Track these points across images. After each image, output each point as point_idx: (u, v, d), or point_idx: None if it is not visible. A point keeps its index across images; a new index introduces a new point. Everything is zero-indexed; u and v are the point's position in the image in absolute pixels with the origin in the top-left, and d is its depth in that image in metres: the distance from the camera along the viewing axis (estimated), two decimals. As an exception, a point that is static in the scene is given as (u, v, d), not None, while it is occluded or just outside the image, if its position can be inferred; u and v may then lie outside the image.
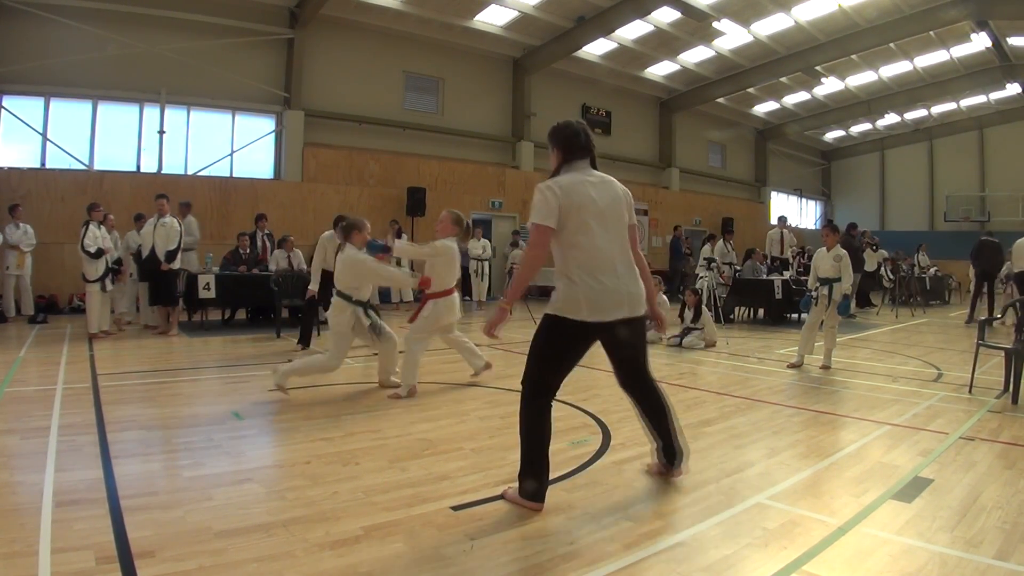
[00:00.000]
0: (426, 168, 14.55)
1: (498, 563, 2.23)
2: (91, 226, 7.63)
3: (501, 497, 2.82)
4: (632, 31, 15.21)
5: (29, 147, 10.85)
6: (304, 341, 7.15)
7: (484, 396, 4.90)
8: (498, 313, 2.75)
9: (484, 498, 2.82)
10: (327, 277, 6.59)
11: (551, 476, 3.07)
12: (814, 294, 6.44)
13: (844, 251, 6.28)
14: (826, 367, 6.23)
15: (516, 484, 2.77)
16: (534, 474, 2.70)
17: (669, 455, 3.05)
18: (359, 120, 13.71)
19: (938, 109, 21.68)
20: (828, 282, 6.29)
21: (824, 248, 6.43)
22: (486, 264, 12.98)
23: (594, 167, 2.85)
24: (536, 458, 2.71)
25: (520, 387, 2.79)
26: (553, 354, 2.75)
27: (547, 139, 2.91)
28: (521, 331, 9.03)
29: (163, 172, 11.80)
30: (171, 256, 7.95)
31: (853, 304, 11.97)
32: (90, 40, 10.77)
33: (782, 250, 12.74)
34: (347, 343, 4.82)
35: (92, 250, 7.50)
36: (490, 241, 14.88)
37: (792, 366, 6.41)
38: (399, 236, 12.20)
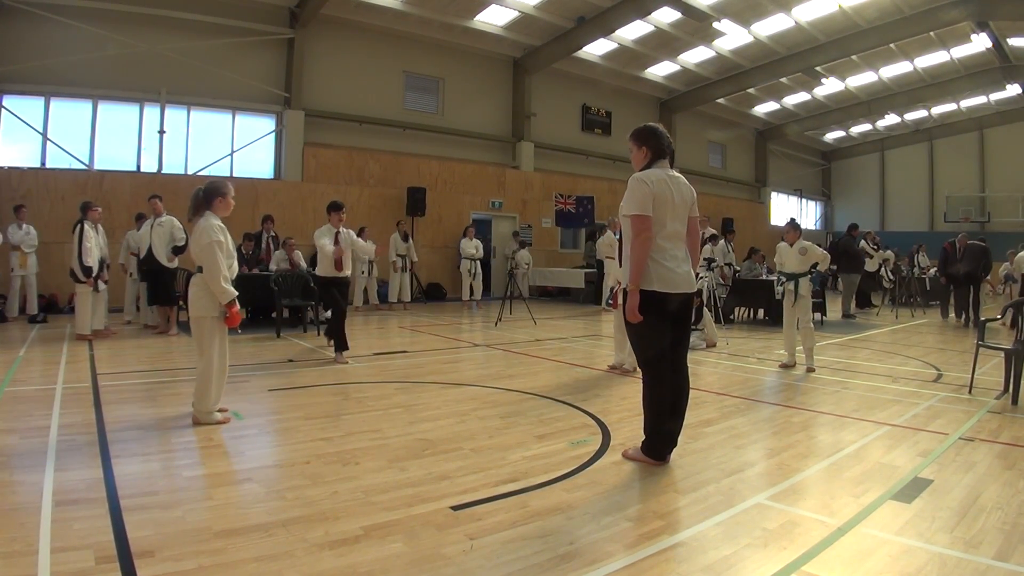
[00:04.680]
0: (426, 168, 14.55)
1: (498, 563, 2.23)
2: (86, 228, 7.37)
3: (495, 498, 2.82)
4: (632, 31, 15.22)
5: (29, 147, 10.85)
6: (340, 346, 6.49)
7: (484, 396, 4.90)
8: (632, 296, 3.19)
9: (484, 498, 2.82)
10: (325, 277, 6.57)
11: (553, 476, 3.09)
12: (779, 288, 6.48)
13: (808, 243, 6.41)
14: (811, 369, 6.18)
15: (637, 444, 3.35)
16: (657, 435, 3.26)
17: (662, 445, 3.34)
18: (359, 120, 13.71)
19: (938, 110, 21.70)
20: (794, 277, 6.34)
21: (786, 244, 6.49)
22: (478, 264, 13.00)
23: (672, 166, 3.37)
24: (657, 421, 3.24)
25: (640, 371, 3.37)
26: (643, 326, 3.21)
27: (632, 137, 3.41)
28: (522, 331, 9.04)
29: (163, 172, 11.80)
30: (178, 251, 7.98)
31: (853, 305, 12.06)
32: (90, 40, 10.77)
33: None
34: (216, 331, 3.99)
35: (88, 262, 7.29)
36: (490, 241, 14.90)
37: (784, 366, 6.42)
38: (405, 239, 12.24)
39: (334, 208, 6.59)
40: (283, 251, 9.88)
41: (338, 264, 6.45)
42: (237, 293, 4.01)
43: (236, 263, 4.24)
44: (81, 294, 7.43)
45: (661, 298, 3.19)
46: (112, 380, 5.24)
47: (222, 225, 4.06)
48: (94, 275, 7.39)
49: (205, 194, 4.08)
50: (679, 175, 3.36)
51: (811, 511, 2.74)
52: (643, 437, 3.39)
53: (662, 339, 3.24)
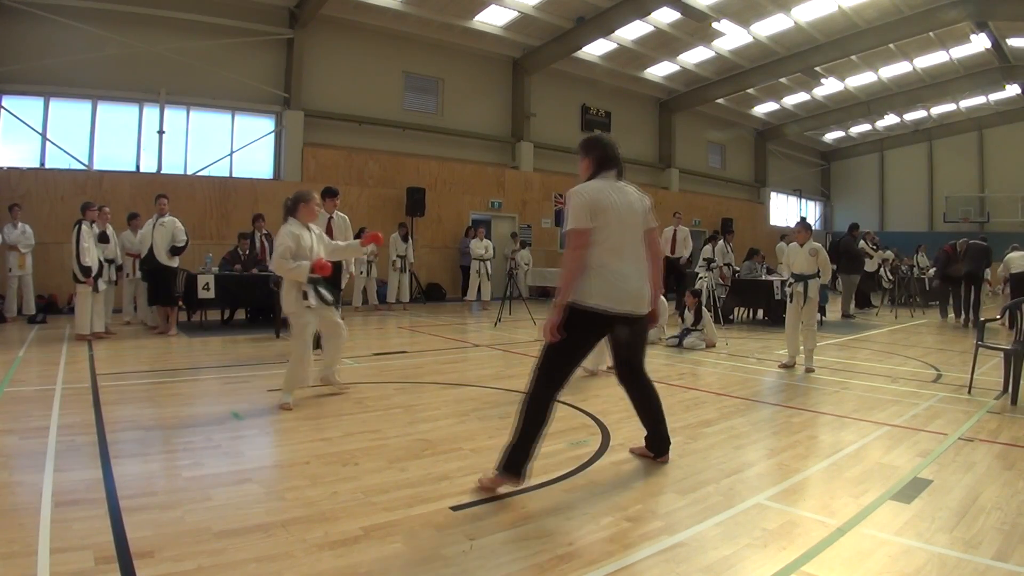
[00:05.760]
0: (426, 168, 14.55)
1: (498, 563, 2.23)
2: (83, 227, 7.34)
3: (495, 498, 2.83)
4: (632, 31, 15.23)
5: (29, 147, 10.85)
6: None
7: (483, 396, 4.90)
8: (556, 312, 2.93)
9: (483, 498, 2.82)
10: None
11: (552, 476, 3.10)
12: (788, 290, 6.42)
13: (818, 244, 6.30)
14: (810, 370, 6.15)
15: (490, 472, 2.92)
16: (522, 451, 2.89)
17: (655, 444, 3.34)
18: (359, 120, 13.72)
19: (937, 110, 21.71)
20: (803, 278, 6.25)
21: (796, 244, 6.40)
22: (488, 264, 13.00)
23: (620, 178, 3.16)
24: (528, 439, 2.90)
25: (531, 375, 2.98)
26: (567, 340, 2.93)
27: (579, 148, 3.22)
28: (523, 331, 9.04)
29: (163, 172, 11.81)
30: (176, 251, 7.97)
31: (852, 305, 12.07)
32: (90, 40, 10.77)
33: (673, 249, 11.24)
34: (306, 322, 4.50)
35: (86, 262, 7.27)
36: (489, 241, 14.89)
37: (784, 366, 6.39)
38: (405, 239, 12.25)
39: (328, 194, 6.66)
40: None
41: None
42: (307, 263, 4.37)
43: (312, 253, 4.53)
44: (81, 294, 7.42)
45: (597, 317, 2.90)
46: (112, 380, 5.23)
47: (295, 231, 4.44)
48: (93, 275, 7.38)
49: (292, 202, 4.58)
50: (629, 185, 3.17)
51: (811, 511, 2.74)
52: (644, 434, 3.36)
53: (575, 363, 3.00)
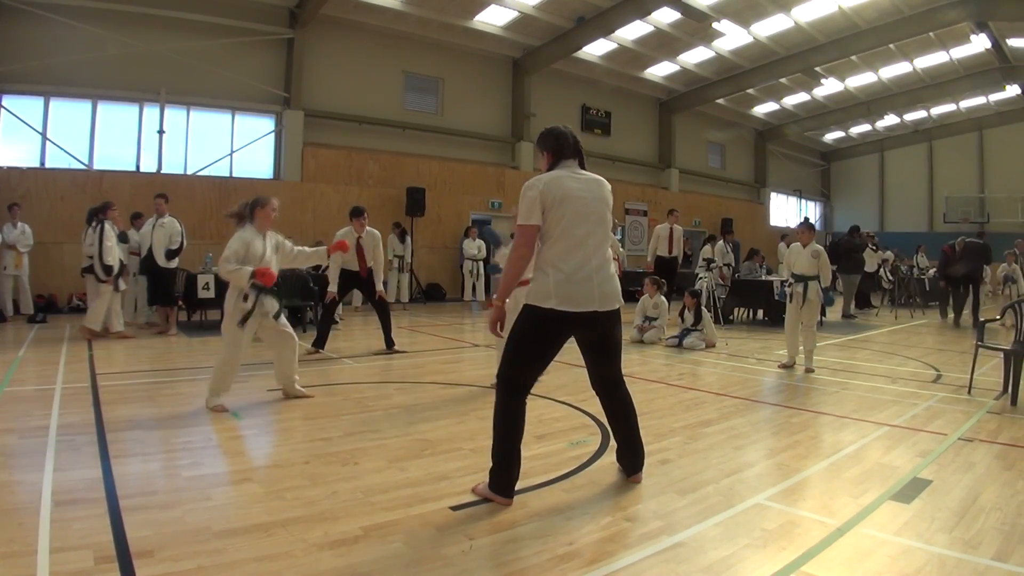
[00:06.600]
0: (426, 168, 14.55)
1: (497, 563, 2.23)
2: (107, 227, 7.35)
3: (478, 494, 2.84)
4: (632, 31, 15.22)
5: (29, 146, 10.84)
6: (319, 343, 6.75)
7: (483, 396, 4.89)
8: (496, 312, 2.88)
9: (483, 498, 2.81)
10: (344, 275, 6.67)
11: (552, 476, 3.09)
12: (788, 290, 6.42)
13: (820, 247, 6.31)
14: (809, 370, 6.14)
15: (486, 479, 2.84)
16: (505, 469, 2.78)
17: (628, 460, 3.10)
18: (359, 120, 13.71)
19: (937, 110, 21.70)
20: (804, 279, 6.24)
21: (799, 244, 6.39)
22: (480, 264, 13.02)
23: (583, 167, 2.95)
24: (508, 454, 2.79)
25: (496, 381, 2.87)
26: (528, 345, 2.81)
27: (536, 145, 3.06)
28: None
29: (163, 172, 11.80)
30: (171, 255, 7.95)
31: (852, 306, 12.08)
32: (90, 40, 10.76)
33: (670, 248, 10.87)
34: (229, 328, 4.36)
35: (108, 261, 7.28)
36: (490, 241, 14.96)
37: (783, 366, 6.39)
38: (402, 239, 12.26)
39: (355, 214, 6.72)
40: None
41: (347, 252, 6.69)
42: (249, 269, 4.27)
43: (263, 262, 4.48)
44: (102, 293, 7.41)
45: (557, 318, 2.73)
46: (111, 380, 5.24)
47: (247, 238, 4.41)
48: (114, 274, 7.39)
49: (249, 208, 4.53)
50: (596, 176, 2.95)
51: (810, 511, 2.74)
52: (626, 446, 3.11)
53: (540, 365, 2.85)
